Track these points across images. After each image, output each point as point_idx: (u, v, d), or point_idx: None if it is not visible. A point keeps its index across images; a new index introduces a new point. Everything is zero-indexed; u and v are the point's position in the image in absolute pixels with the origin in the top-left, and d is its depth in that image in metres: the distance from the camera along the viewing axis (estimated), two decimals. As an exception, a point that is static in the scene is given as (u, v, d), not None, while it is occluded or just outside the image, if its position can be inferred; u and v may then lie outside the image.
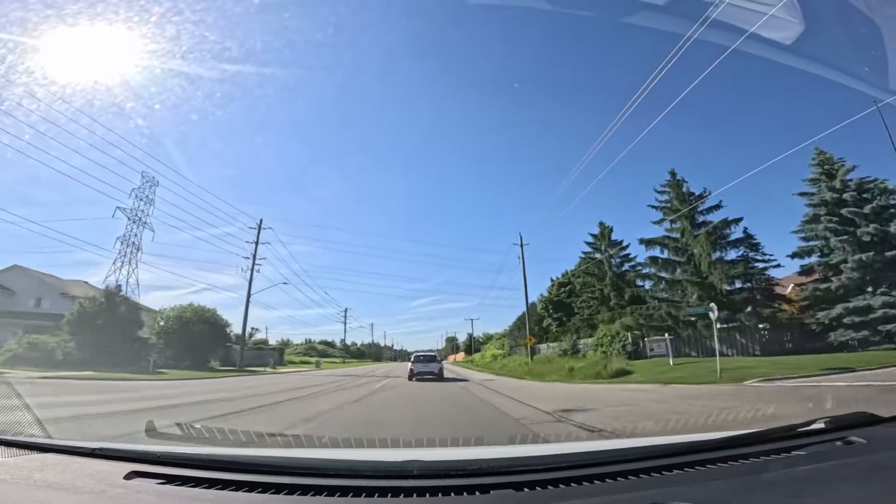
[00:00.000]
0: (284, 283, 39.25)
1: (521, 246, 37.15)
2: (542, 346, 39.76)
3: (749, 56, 12.93)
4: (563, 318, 44.31)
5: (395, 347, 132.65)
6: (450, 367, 43.72)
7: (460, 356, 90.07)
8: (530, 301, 54.68)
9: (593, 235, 39.31)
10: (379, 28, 50.20)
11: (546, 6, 21.17)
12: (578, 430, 6.84)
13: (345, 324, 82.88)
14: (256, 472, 1.72)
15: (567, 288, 45.32)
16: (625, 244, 37.27)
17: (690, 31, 14.20)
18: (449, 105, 78.64)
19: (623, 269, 37.42)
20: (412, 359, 23.26)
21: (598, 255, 38.55)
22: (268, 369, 37.92)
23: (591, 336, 32.68)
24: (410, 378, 20.90)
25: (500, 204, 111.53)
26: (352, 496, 1.53)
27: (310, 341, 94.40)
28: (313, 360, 62.98)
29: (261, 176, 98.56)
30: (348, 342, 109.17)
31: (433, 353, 25.73)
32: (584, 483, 1.62)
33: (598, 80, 60.16)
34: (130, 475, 1.71)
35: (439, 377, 21.49)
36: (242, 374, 28.52)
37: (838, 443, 1.99)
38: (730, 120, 51.41)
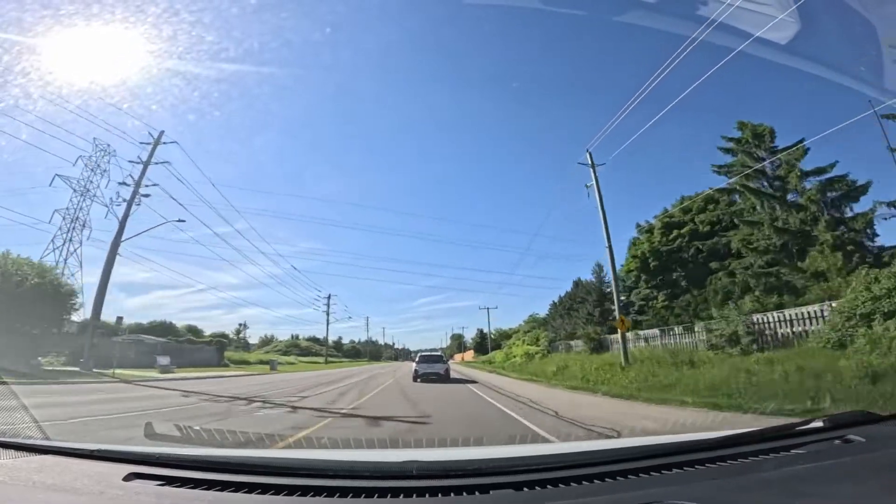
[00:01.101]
0: (180, 221, 26.95)
1: (593, 167, 20.38)
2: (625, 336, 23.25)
3: (744, 55, 12.97)
4: (678, 283, 27.37)
5: (395, 346, 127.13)
6: (462, 371, 35.12)
7: (469, 355, 77.59)
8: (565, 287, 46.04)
9: (734, 140, 24.15)
10: (377, 27, 50.29)
11: (539, 5, 21.22)
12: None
13: (327, 314, 66.31)
14: (255, 473, 1.72)
15: (684, 230, 27.66)
16: (803, 144, 21.35)
17: (684, 30, 14.20)
18: (448, 103, 78.88)
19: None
20: (417, 359, 22.72)
21: (751, 168, 22.60)
22: (146, 374, 22.13)
23: (780, 306, 17.18)
24: (415, 379, 20.34)
25: (503, 200, 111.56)
26: (351, 497, 1.53)
27: (296, 337, 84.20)
28: (288, 358, 54.14)
29: (260, 174, 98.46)
30: (345, 340, 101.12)
31: (439, 353, 25.24)
32: (584, 483, 1.62)
33: (595, 78, 60.34)
34: (129, 477, 1.70)
35: (445, 378, 20.84)
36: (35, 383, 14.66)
37: (837, 441, 1.99)
38: (726, 118, 51.58)
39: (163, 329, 41.29)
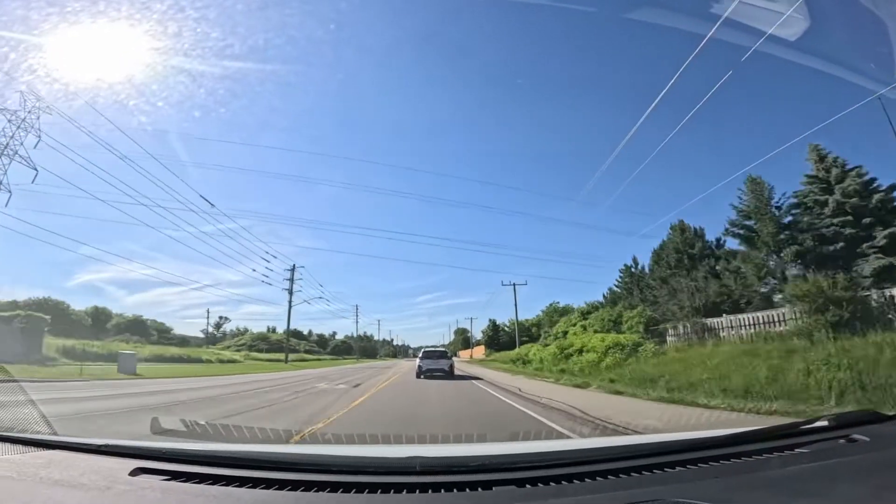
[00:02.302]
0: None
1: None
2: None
3: (753, 52, 12.84)
4: None
5: (394, 342, 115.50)
6: (500, 381, 18.53)
7: (479, 351, 63.00)
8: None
9: None
10: (380, 24, 50.05)
11: (547, 1, 21.13)
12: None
13: (290, 291, 47.76)
14: (260, 468, 1.74)
15: None
16: None
17: (694, 27, 14.09)
18: (450, 100, 78.36)
19: None
20: (421, 355, 22.59)
21: None
22: None
23: None
24: (418, 376, 20.33)
25: (508, 197, 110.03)
26: (355, 492, 1.55)
27: (272, 330, 69.80)
28: (236, 355, 45.11)
29: (262, 171, 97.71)
30: (340, 336, 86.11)
31: (443, 350, 25.15)
32: (586, 480, 1.62)
33: (600, 76, 59.71)
34: (136, 472, 1.72)
35: (449, 374, 20.60)
36: None
37: (842, 440, 1.98)
38: (730, 115, 51.11)
39: (47, 308, 32.30)
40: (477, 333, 70.98)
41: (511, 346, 43.96)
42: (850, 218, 20.68)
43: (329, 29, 39.68)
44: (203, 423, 3.62)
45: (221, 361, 38.50)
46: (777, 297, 19.73)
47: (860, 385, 8.34)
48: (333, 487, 1.58)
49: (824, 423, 2.12)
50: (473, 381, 18.73)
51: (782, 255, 21.15)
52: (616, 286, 33.59)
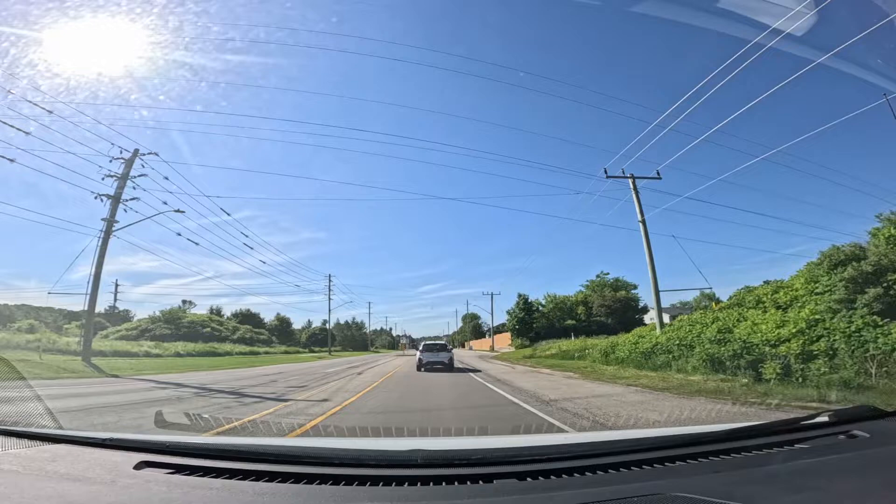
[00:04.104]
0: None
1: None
2: None
3: (757, 46, 12.73)
4: None
5: (394, 332, 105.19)
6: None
7: (502, 340, 46.97)
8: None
9: None
10: (382, 17, 49.66)
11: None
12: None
13: (116, 202, 21.95)
14: (264, 460, 1.75)
15: None
16: None
17: (700, 21, 13.97)
18: (453, 92, 77.77)
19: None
20: (421, 347, 22.69)
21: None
22: None
23: None
24: (419, 369, 20.33)
25: (510, 192, 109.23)
26: (357, 484, 1.56)
27: (216, 311, 54.49)
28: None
29: (264, 164, 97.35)
30: (331, 322, 65.49)
31: (443, 342, 25.42)
32: (587, 473, 1.63)
33: (605, 70, 59.27)
34: (140, 465, 1.74)
35: (449, 367, 20.54)
36: None
37: (841, 436, 1.98)
38: (733, 110, 50.71)
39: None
40: (498, 317, 53.76)
41: (554, 334, 30.18)
42: None
43: (331, 22, 39.49)
44: (207, 416, 3.65)
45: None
46: None
47: None
48: (335, 480, 1.59)
49: (824, 418, 2.13)
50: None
51: None
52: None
